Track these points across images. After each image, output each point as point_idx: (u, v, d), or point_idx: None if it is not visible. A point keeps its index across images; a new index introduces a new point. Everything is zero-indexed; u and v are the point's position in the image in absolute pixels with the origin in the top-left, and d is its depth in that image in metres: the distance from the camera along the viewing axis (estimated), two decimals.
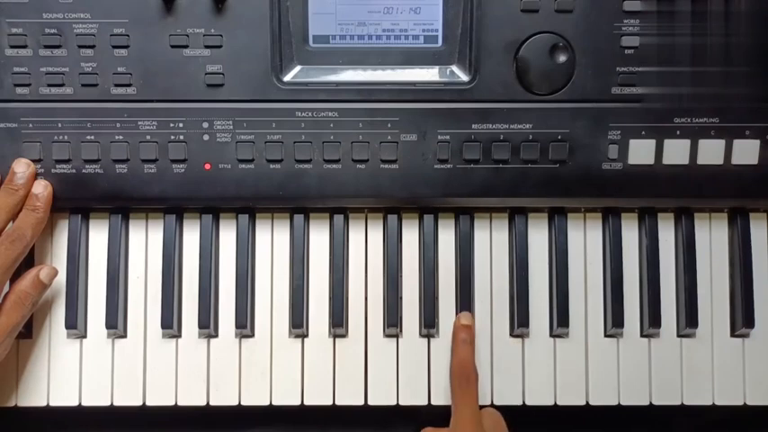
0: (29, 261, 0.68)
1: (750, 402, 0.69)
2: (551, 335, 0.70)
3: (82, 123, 0.66)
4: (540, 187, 0.67)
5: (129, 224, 0.70)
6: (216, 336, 0.69)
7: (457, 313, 0.69)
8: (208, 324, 0.68)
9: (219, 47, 0.65)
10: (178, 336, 0.69)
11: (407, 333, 0.69)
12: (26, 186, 0.65)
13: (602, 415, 0.70)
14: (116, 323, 0.68)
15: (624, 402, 0.69)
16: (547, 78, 0.66)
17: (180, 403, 0.68)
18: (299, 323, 0.68)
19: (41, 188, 0.65)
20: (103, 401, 0.68)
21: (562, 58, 0.65)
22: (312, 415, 0.70)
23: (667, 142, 0.66)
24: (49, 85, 0.65)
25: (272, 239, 0.70)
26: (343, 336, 0.69)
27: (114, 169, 0.66)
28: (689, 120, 0.66)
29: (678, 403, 0.69)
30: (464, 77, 0.66)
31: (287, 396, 0.68)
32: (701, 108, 0.66)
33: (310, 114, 0.66)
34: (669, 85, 0.66)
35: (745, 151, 0.67)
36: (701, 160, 0.67)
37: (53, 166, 0.66)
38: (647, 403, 0.69)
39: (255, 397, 0.68)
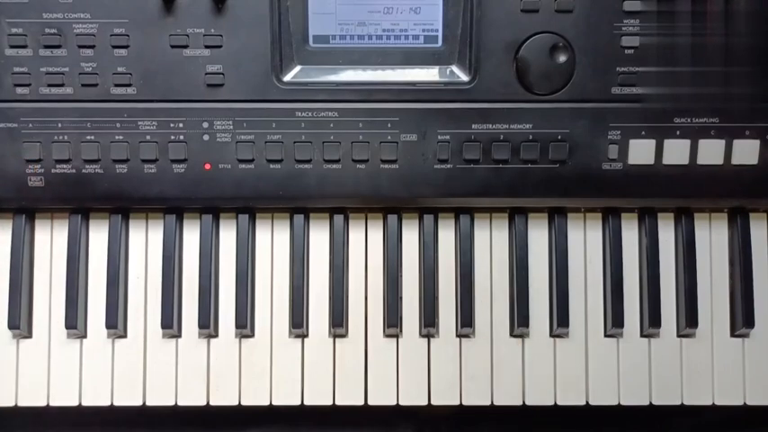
0: (29, 261, 0.68)
1: (750, 402, 0.69)
2: (551, 335, 0.70)
3: (82, 123, 0.66)
4: (540, 187, 0.67)
5: (129, 224, 0.70)
6: (216, 336, 0.69)
7: (457, 313, 0.69)
8: (208, 324, 0.68)
9: (219, 47, 0.65)
10: (178, 336, 0.69)
11: (407, 333, 0.69)
12: None
13: (602, 415, 0.70)
14: (116, 323, 0.68)
15: (624, 402, 0.69)
16: (547, 78, 0.66)
17: (180, 403, 0.68)
18: (299, 323, 0.68)
19: None
20: (103, 401, 0.68)
21: (562, 58, 0.65)
22: (312, 415, 0.70)
23: (667, 142, 0.66)
24: (49, 85, 0.65)
25: (272, 239, 0.70)
26: (343, 336, 0.69)
27: (114, 169, 0.66)
28: (689, 120, 0.66)
29: (678, 403, 0.69)
30: (464, 77, 0.66)
31: (287, 396, 0.68)
32: (701, 108, 0.66)
33: (310, 114, 0.66)
34: (669, 85, 0.66)
35: (745, 151, 0.66)
36: (701, 160, 0.67)
37: (53, 166, 0.66)
38: (647, 403, 0.69)
39: (255, 397, 0.68)
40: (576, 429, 0.71)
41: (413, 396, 0.69)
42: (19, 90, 0.65)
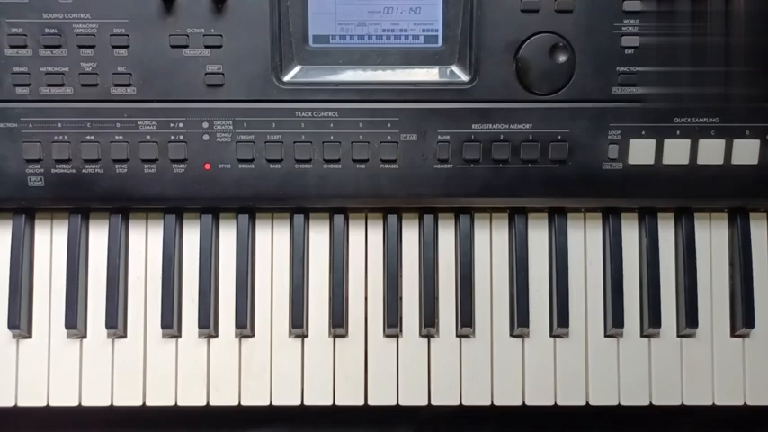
0: (29, 261, 0.68)
1: (750, 402, 0.69)
2: (551, 335, 0.70)
3: (82, 123, 0.66)
4: (540, 187, 0.67)
5: (129, 224, 0.70)
6: (216, 336, 0.69)
7: (457, 313, 0.69)
8: (208, 324, 0.68)
9: (219, 47, 0.65)
10: (178, 336, 0.69)
11: (407, 333, 0.69)
12: None
13: (602, 415, 0.70)
14: (116, 323, 0.68)
15: (624, 402, 0.69)
16: (547, 78, 0.66)
17: (180, 403, 0.68)
18: (299, 323, 0.68)
19: None
20: (103, 401, 0.68)
21: (562, 58, 0.65)
22: (312, 415, 0.70)
23: (667, 142, 0.66)
24: (49, 85, 0.65)
25: (272, 239, 0.70)
26: (343, 336, 0.69)
27: (114, 169, 0.66)
28: (689, 120, 0.66)
29: (678, 403, 0.69)
30: (464, 77, 0.66)
31: (287, 396, 0.68)
32: (701, 108, 0.66)
33: (310, 114, 0.66)
34: (669, 85, 0.66)
35: (745, 151, 0.66)
36: (701, 160, 0.67)
37: (53, 166, 0.66)
38: (647, 403, 0.69)
39: (255, 397, 0.68)
40: (575, 429, 0.70)
41: (413, 396, 0.69)
42: (19, 90, 0.65)
